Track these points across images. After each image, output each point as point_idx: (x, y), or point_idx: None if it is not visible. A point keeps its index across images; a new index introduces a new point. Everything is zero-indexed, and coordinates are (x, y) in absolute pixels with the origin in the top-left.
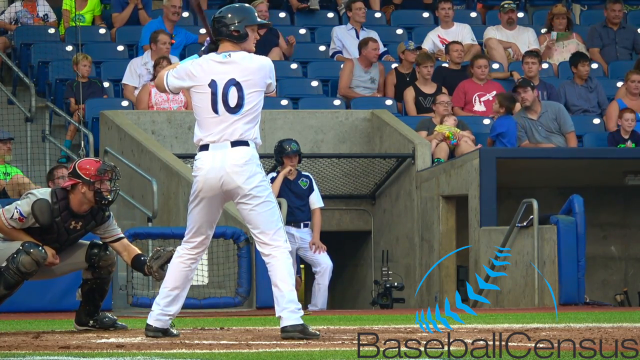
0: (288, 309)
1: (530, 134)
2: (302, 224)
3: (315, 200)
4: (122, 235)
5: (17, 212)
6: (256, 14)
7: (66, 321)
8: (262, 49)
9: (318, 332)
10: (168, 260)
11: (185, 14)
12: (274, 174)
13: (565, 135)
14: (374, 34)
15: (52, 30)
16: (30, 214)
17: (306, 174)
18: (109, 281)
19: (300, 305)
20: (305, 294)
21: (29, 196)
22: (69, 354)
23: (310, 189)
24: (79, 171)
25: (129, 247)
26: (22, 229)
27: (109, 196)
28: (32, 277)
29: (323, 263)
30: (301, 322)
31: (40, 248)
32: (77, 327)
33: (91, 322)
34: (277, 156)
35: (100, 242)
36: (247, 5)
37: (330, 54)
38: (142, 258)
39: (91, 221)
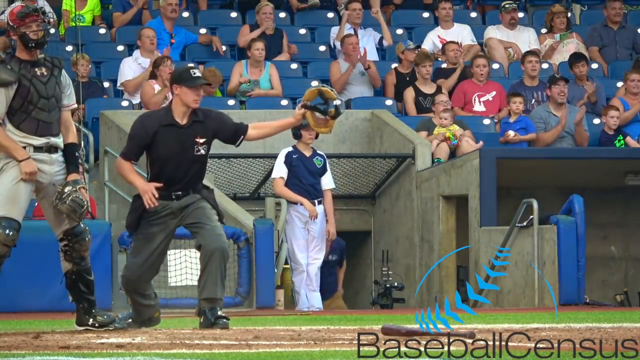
0: None
1: (548, 128)
2: (316, 202)
3: (328, 182)
4: (75, 106)
5: None
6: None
7: (66, 321)
8: (268, 52)
9: None
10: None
11: (186, 14)
12: (290, 149)
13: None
14: (374, 34)
15: (52, 30)
16: None
17: (321, 153)
18: (89, 270)
19: None
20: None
21: None
22: (69, 354)
23: (324, 169)
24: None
25: (71, 126)
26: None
27: (35, 37)
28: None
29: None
30: None
31: (8, 231)
32: (76, 328)
33: (91, 321)
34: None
35: (79, 232)
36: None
37: (330, 54)
38: (76, 154)
39: (53, 68)
